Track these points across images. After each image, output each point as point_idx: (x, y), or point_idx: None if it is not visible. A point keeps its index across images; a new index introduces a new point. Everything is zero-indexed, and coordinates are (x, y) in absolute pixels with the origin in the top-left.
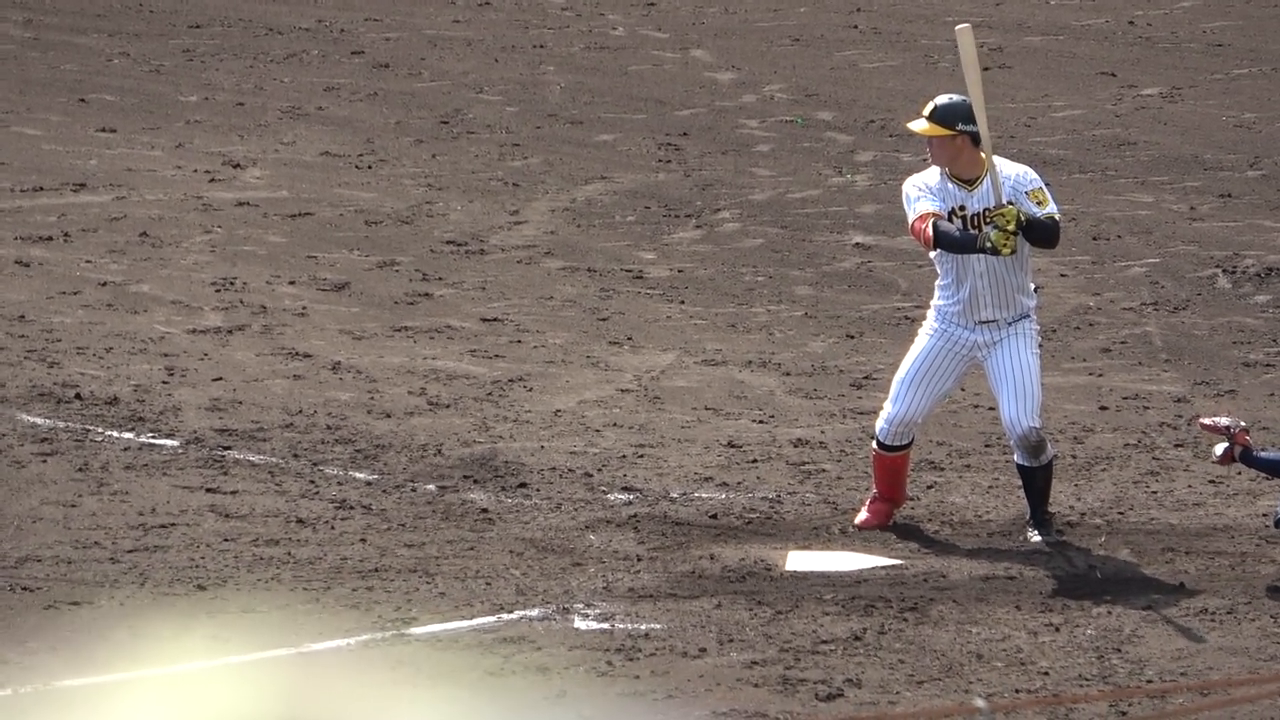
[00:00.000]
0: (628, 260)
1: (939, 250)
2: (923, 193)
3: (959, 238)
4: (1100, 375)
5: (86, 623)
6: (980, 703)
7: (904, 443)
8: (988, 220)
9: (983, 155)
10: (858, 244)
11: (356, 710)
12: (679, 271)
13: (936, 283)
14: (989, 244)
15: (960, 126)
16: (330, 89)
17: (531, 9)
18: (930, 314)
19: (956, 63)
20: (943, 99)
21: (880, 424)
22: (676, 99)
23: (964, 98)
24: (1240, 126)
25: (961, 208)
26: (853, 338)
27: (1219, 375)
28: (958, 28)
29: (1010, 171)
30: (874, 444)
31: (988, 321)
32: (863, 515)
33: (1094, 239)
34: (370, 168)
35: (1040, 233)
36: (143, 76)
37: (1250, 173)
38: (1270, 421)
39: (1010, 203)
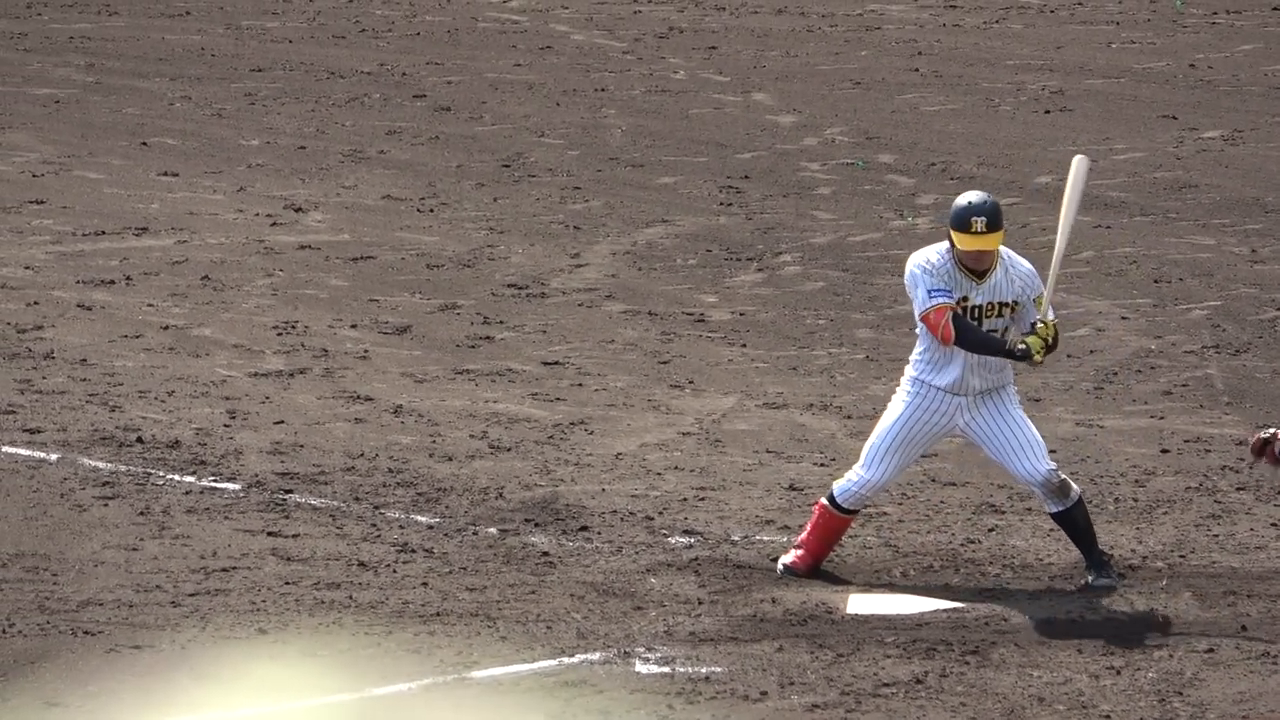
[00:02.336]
0: (689, 303)
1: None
2: (935, 279)
3: (983, 338)
4: (1162, 418)
5: (148, 666)
6: None
7: (860, 508)
8: (1032, 327)
9: (1050, 272)
10: None
11: None
12: (740, 315)
13: (915, 353)
14: (1024, 350)
15: (1003, 224)
16: (392, 132)
17: (593, 53)
18: (906, 380)
19: (1017, 105)
20: (979, 198)
21: (844, 484)
22: (738, 142)
23: (981, 193)
24: None
25: (964, 299)
26: None
27: None
28: (1075, 159)
29: (1021, 267)
30: (825, 501)
31: (979, 391)
32: (791, 557)
33: (1155, 282)
34: (432, 211)
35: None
36: (204, 120)
37: None
38: None
39: (1054, 321)
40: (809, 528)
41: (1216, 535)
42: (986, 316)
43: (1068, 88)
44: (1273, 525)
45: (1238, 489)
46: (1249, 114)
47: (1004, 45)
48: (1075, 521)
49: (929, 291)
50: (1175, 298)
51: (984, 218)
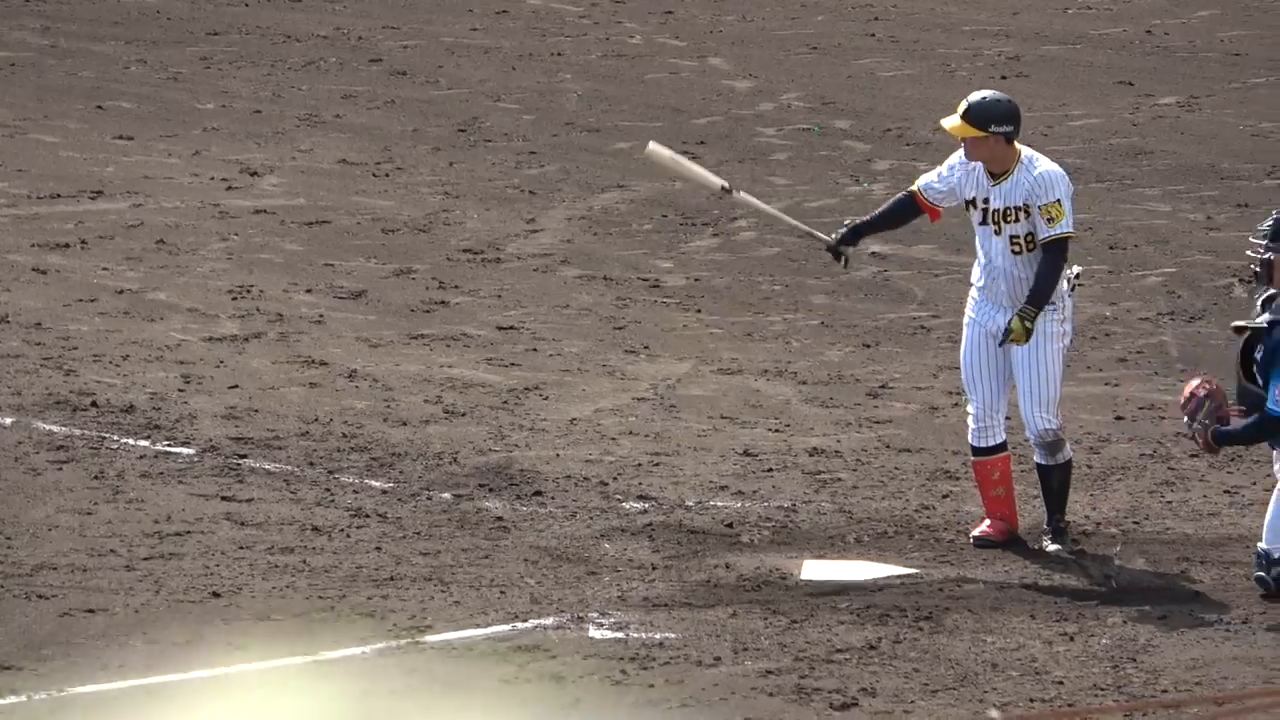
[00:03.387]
0: (644, 269)
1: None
2: (945, 170)
3: (876, 213)
4: (1116, 385)
5: (101, 630)
6: (994, 713)
7: (991, 443)
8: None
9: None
10: (874, 253)
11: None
12: (695, 280)
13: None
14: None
15: (993, 128)
16: (348, 97)
17: (549, 17)
18: (969, 301)
19: (974, 71)
20: (975, 96)
21: (969, 426)
22: (694, 107)
23: (999, 96)
24: (1257, 136)
25: (985, 200)
26: (869, 346)
27: (1234, 386)
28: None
29: (1035, 171)
30: (971, 456)
31: (1011, 306)
32: (981, 528)
33: (1110, 248)
34: (387, 175)
35: (1042, 279)
36: (160, 84)
37: (1267, 182)
38: None
39: (1025, 321)
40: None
41: (1170, 502)
42: (1006, 221)
43: (1024, 53)
44: (1226, 492)
45: (1191, 456)
46: (1205, 80)
47: (960, 11)
48: (1051, 481)
49: (930, 174)
50: (1130, 264)
51: (966, 104)
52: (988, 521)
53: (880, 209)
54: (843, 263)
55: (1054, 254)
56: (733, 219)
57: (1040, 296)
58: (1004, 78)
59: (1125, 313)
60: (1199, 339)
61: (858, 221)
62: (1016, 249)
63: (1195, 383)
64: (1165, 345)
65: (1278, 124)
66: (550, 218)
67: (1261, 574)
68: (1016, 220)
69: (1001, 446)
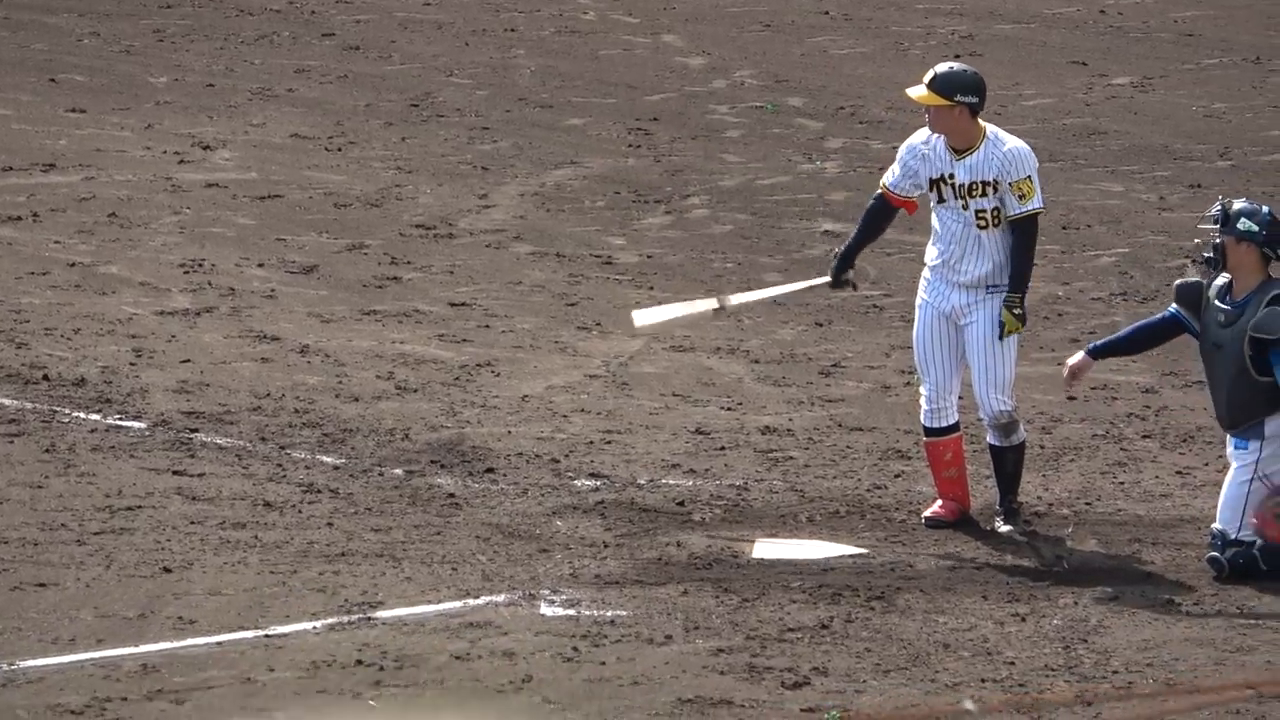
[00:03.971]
0: (597, 245)
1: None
2: (903, 161)
3: (858, 227)
4: None
5: (52, 604)
6: (970, 705)
7: (944, 423)
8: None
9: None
10: (827, 231)
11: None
12: (648, 257)
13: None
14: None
15: (959, 97)
16: (300, 71)
17: None
18: (920, 283)
19: (927, 50)
20: (943, 67)
21: (921, 408)
22: (647, 84)
23: (965, 67)
24: (1210, 116)
25: (950, 175)
26: (821, 325)
27: (1187, 366)
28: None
29: (1004, 147)
30: (923, 436)
31: (968, 285)
32: (933, 509)
33: (1063, 228)
34: (340, 150)
35: (1019, 258)
36: (113, 56)
37: (1220, 163)
38: None
39: (1013, 310)
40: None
41: (1122, 483)
42: (972, 195)
43: (977, 32)
44: (1178, 473)
45: (1143, 436)
46: (1159, 61)
47: None
48: (1005, 462)
49: (891, 169)
50: (1083, 244)
51: (932, 73)
52: (940, 502)
53: (858, 225)
54: (851, 288)
55: (1028, 231)
56: (685, 196)
57: (1022, 279)
58: (957, 56)
59: (1078, 293)
60: None
61: (843, 248)
62: (983, 224)
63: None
64: (1118, 325)
65: (1230, 105)
66: (503, 194)
67: (1215, 555)
68: (984, 194)
69: (954, 427)
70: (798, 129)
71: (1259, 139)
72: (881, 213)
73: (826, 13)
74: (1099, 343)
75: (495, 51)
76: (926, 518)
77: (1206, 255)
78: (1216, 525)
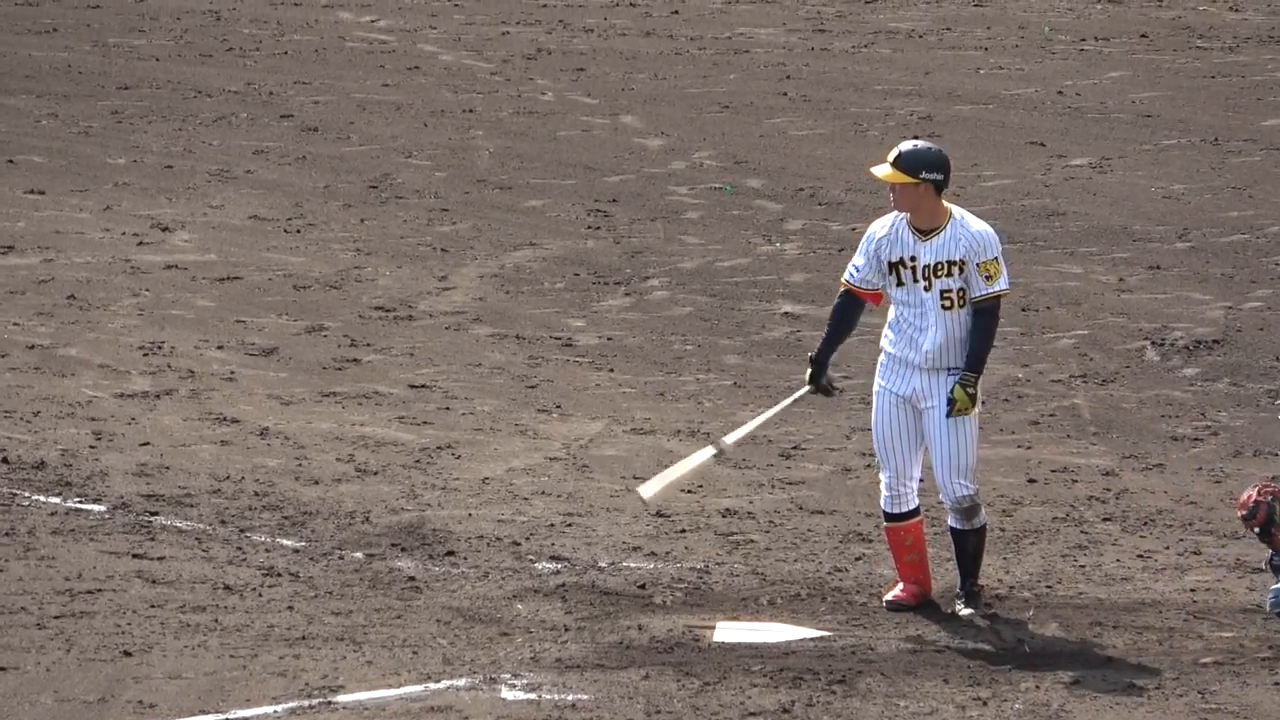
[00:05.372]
0: (556, 327)
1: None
2: (866, 251)
3: (829, 328)
4: (1029, 448)
5: (12, 688)
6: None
7: (906, 509)
8: (960, 384)
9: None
10: (786, 313)
11: None
12: (608, 339)
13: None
14: (949, 401)
15: (924, 175)
16: (259, 152)
17: (460, 74)
18: (878, 369)
19: (886, 131)
20: (907, 145)
21: (881, 494)
22: (606, 165)
23: (929, 145)
24: (1169, 197)
25: (913, 258)
26: None
27: (1147, 449)
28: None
29: (972, 228)
30: (884, 522)
31: (928, 368)
32: (894, 592)
33: (1023, 310)
34: (299, 232)
35: (979, 338)
36: (71, 138)
37: (1179, 244)
38: (1198, 496)
39: (967, 389)
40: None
41: (1083, 566)
42: (937, 275)
43: (936, 113)
44: (1139, 556)
45: (1104, 519)
46: (1117, 141)
47: (872, 70)
48: (966, 546)
49: (852, 264)
50: (1043, 326)
51: (897, 151)
52: (901, 585)
53: (828, 327)
54: (831, 393)
55: (992, 311)
56: (645, 278)
57: (979, 360)
58: (916, 137)
59: (1037, 374)
60: (1111, 401)
61: (815, 353)
62: (948, 304)
63: (1253, 491)
64: (1078, 408)
65: (1189, 186)
66: (462, 275)
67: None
68: (950, 275)
69: (915, 512)
70: (757, 210)
71: (1218, 220)
72: (849, 309)
73: (785, 94)
74: None
75: (454, 133)
76: (888, 601)
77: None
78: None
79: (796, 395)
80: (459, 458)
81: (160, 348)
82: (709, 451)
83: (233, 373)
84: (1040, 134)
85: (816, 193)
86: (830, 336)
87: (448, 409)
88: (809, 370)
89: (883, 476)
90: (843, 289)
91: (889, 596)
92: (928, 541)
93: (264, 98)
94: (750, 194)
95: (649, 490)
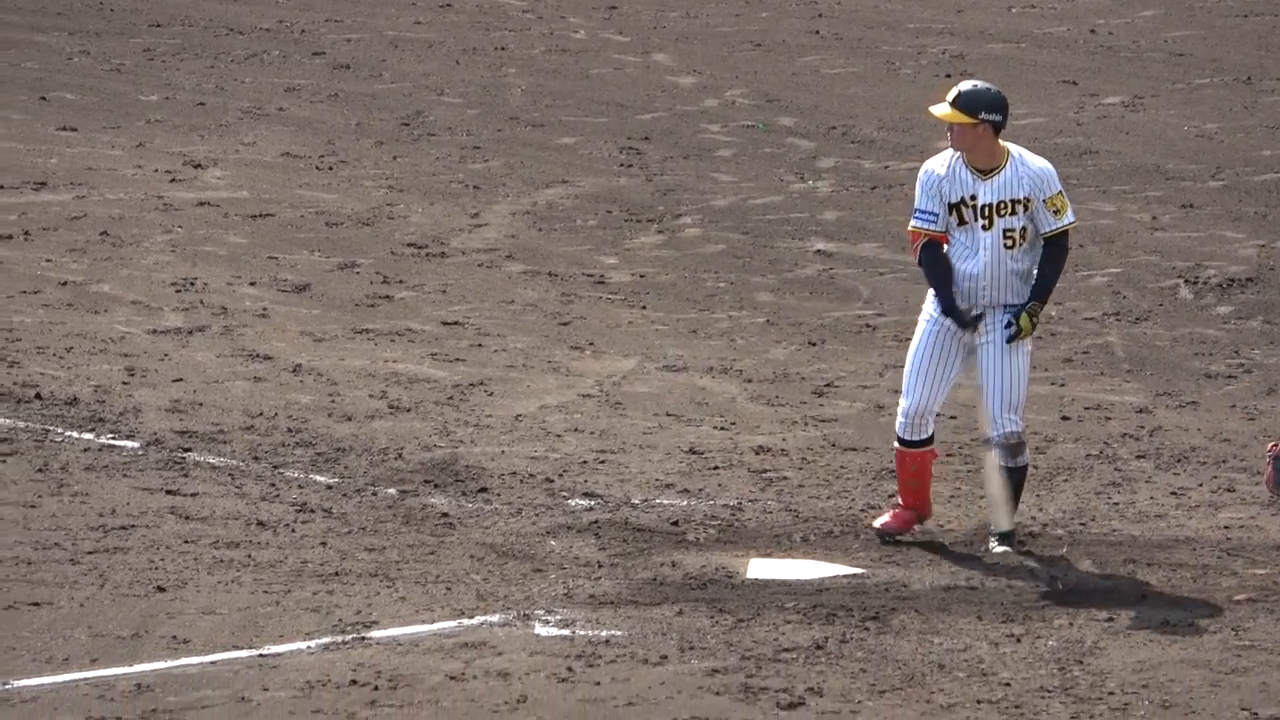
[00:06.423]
0: (589, 265)
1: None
2: (928, 195)
3: (936, 284)
4: (1062, 385)
5: (46, 623)
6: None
7: (921, 436)
8: (1026, 314)
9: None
10: (819, 251)
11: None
12: (640, 277)
13: None
14: (1011, 331)
15: (983, 115)
16: (291, 90)
17: (492, 11)
18: (927, 300)
19: (918, 69)
20: (967, 85)
21: (898, 419)
22: (638, 103)
23: (989, 85)
24: (1202, 137)
25: (973, 197)
26: (814, 345)
27: (1181, 387)
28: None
29: (1033, 165)
30: (896, 443)
31: (986, 305)
32: (883, 518)
33: None
34: (331, 169)
35: (1049, 270)
36: (103, 75)
37: (1212, 183)
38: (1231, 434)
39: (1033, 316)
40: (897, 481)
41: (1117, 503)
42: (1000, 214)
43: (968, 51)
44: (1172, 494)
45: (1138, 457)
46: (1149, 80)
47: (904, 8)
48: (1008, 483)
49: (915, 210)
50: (1076, 265)
51: (956, 91)
52: (891, 512)
53: (932, 279)
54: (977, 322)
55: (1061, 245)
56: (677, 216)
57: (1047, 291)
58: (948, 75)
59: (1071, 313)
60: (1144, 339)
61: (944, 306)
62: (1010, 243)
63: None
64: (1111, 346)
65: (1222, 125)
66: (494, 213)
67: None
68: (1014, 213)
69: (929, 441)
70: (789, 148)
71: (1251, 159)
72: (939, 255)
73: (817, 32)
74: None
75: (486, 70)
76: (877, 528)
77: None
78: None
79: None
80: (491, 395)
81: (193, 284)
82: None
83: (265, 309)
84: (1072, 72)
85: (849, 131)
86: (942, 284)
87: (480, 346)
88: (955, 322)
89: (902, 403)
90: (923, 239)
91: (878, 523)
92: (961, 478)
93: (295, 35)
94: (782, 132)
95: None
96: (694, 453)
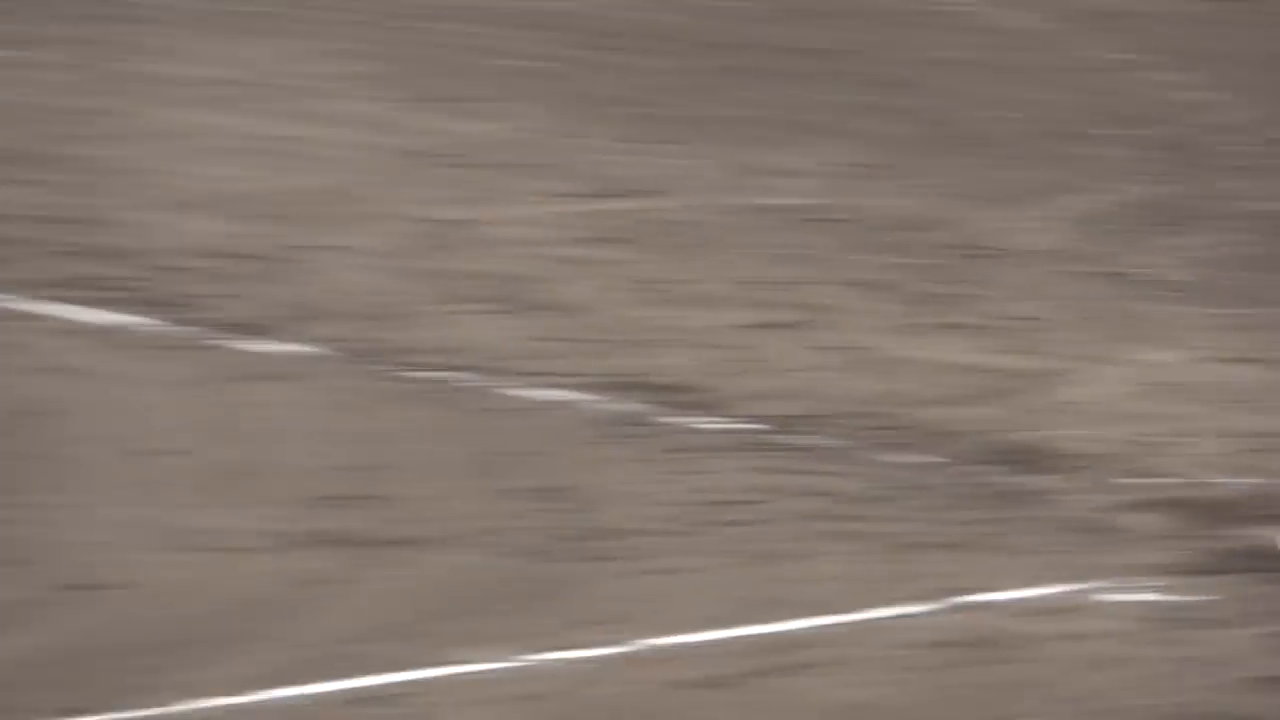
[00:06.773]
0: (1144, 265)
1: None
2: None
3: None
4: None
5: (671, 589)
6: None
7: None
8: None
9: None
10: None
11: None
12: (1198, 277)
13: None
14: None
15: None
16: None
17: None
18: None
19: None
20: None
21: None
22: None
23: None
24: None
25: None
26: None
27: None
28: None
29: None
30: None
31: None
32: None
33: None
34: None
35: None
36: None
37: None
38: None
39: None
40: None
41: None
42: None
43: None
44: None
45: None
46: None
47: None
48: None
49: None
50: None
51: None
52: None
53: None
54: None
55: None
56: (1221, 218)
57: None
58: None
59: None
60: None
61: None
62: None
63: None
64: None
65: None
66: (1051, 214)
67: None
68: None
69: None
70: None
71: None
72: None
73: None
74: None
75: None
76: None
77: None
78: None
79: None
80: (1059, 384)
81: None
82: None
83: (846, 305)
84: None
85: None
86: None
87: (1049, 337)
88: None
89: None
90: None
91: None
92: None
93: None
94: None
95: None
96: (1266, 435)
